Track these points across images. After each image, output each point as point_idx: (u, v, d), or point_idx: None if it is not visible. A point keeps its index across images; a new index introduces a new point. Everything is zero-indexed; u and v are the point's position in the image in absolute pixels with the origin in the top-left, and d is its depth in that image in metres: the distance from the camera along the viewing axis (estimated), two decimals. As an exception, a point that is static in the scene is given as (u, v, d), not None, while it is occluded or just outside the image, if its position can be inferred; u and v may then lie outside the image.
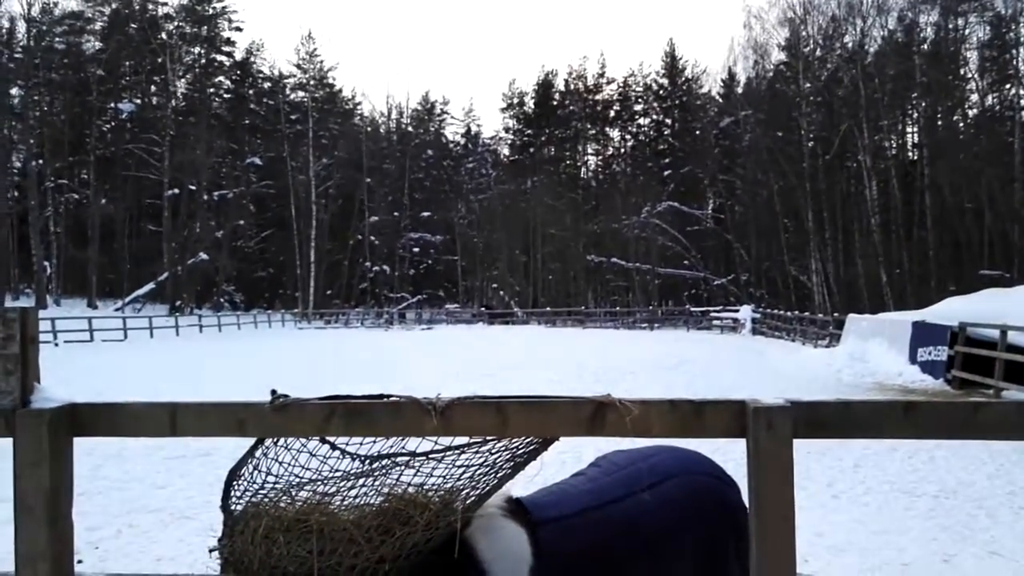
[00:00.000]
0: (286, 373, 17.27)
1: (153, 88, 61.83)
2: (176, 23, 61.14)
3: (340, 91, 72.43)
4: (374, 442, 1.96)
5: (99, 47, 58.13)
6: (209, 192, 57.47)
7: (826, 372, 17.27)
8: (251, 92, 68.32)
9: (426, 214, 68.52)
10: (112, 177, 55.58)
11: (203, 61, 64.44)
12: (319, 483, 1.98)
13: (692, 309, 49.43)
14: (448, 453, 1.96)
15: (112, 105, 57.95)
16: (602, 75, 72.71)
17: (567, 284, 64.81)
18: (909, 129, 54.44)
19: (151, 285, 53.64)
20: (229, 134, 62.38)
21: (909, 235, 48.31)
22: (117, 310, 47.50)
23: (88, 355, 23.83)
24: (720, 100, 66.83)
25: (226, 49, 66.11)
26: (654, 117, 72.57)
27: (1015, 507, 6.69)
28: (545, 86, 73.40)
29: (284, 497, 1.97)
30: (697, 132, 65.91)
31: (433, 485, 1.98)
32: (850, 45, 49.99)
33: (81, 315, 37.90)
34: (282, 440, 1.97)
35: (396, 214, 65.99)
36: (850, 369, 17.19)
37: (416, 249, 67.74)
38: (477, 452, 1.99)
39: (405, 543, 1.92)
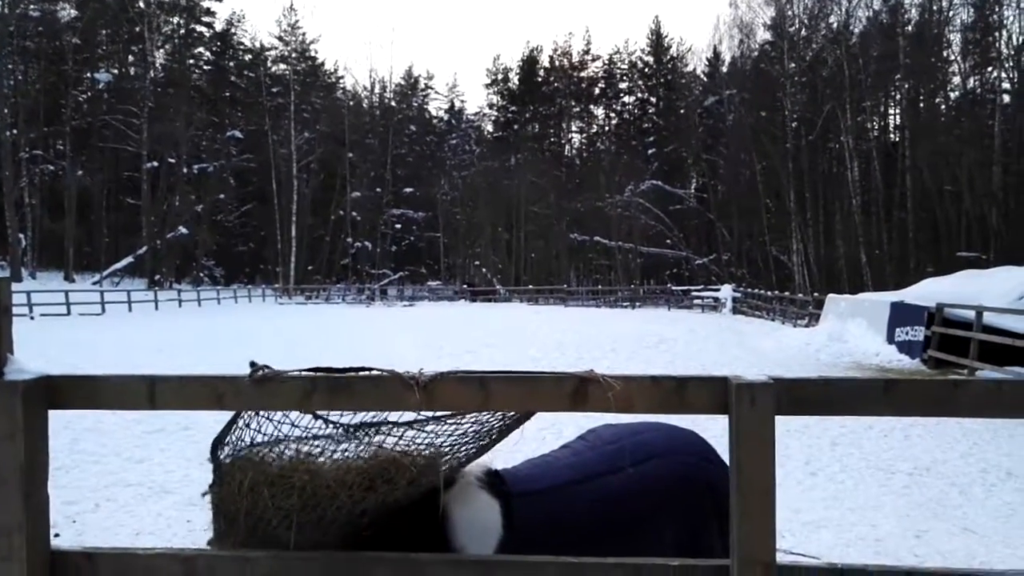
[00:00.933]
0: (266, 348, 17.16)
1: (131, 58, 60.51)
2: (154, -9, 59.84)
3: (322, 64, 71.64)
4: (355, 414, 1.96)
5: (75, 15, 56.67)
6: (189, 165, 56.60)
7: (805, 351, 17.42)
8: (232, 64, 67.29)
9: (409, 190, 68.08)
10: (89, 148, 54.63)
11: (182, 31, 63.13)
12: (304, 442, 2.00)
13: (673, 288, 49.62)
14: (428, 423, 1.97)
15: (88, 75, 56.75)
16: (587, 52, 72.54)
17: (549, 262, 64.87)
18: (891, 111, 54.82)
19: (129, 259, 53.05)
20: (209, 106, 61.38)
21: (889, 216, 48.76)
22: (95, 284, 46.92)
23: (65, 328, 23.52)
24: (705, 79, 66.77)
25: (206, 19, 64.90)
26: (639, 95, 72.46)
27: (987, 484, 6.82)
28: (530, 62, 72.95)
29: (271, 452, 1.98)
30: (681, 111, 65.91)
31: (416, 449, 2.01)
32: (835, 25, 50.07)
33: (58, 288, 37.40)
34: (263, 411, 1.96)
35: (379, 190, 65.50)
36: (829, 349, 17.35)
37: (398, 225, 67.36)
38: (458, 424, 2.00)
39: (387, 499, 1.95)
